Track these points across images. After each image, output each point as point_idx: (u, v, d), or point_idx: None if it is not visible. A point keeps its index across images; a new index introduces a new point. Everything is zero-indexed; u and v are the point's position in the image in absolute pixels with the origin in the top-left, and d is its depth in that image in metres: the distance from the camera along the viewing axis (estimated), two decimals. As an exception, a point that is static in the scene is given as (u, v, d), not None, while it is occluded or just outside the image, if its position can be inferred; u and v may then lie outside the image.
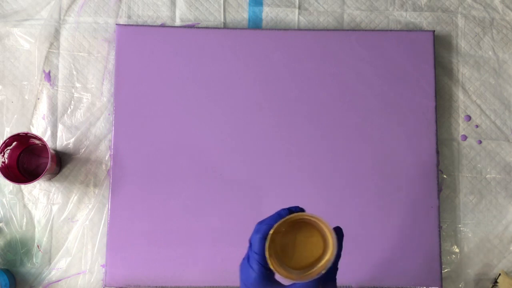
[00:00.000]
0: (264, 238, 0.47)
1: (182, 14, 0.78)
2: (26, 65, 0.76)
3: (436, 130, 0.74)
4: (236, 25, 0.78)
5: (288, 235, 0.51)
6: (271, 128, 0.73)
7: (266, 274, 0.48)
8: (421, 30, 0.78)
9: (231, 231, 0.71)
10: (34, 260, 0.72)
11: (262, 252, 0.47)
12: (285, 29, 0.76)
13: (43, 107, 0.75)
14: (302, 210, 0.50)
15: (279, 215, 0.48)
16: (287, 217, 0.48)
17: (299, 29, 0.77)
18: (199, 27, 0.77)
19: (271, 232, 0.47)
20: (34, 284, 0.72)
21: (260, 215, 0.72)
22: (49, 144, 0.74)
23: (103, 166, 0.74)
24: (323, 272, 0.47)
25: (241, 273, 0.49)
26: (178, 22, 0.78)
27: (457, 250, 0.75)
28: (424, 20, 0.79)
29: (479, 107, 0.78)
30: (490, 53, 0.79)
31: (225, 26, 0.78)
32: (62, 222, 0.73)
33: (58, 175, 0.74)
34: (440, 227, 0.73)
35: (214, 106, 0.74)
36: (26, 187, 0.74)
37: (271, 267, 0.46)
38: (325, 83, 0.74)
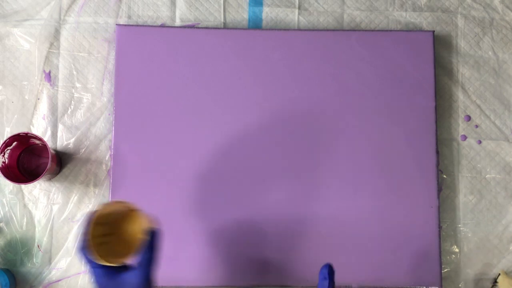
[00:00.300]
0: (84, 248, 0.51)
1: (182, 14, 0.78)
2: (26, 65, 0.76)
3: (436, 130, 0.74)
4: (236, 25, 0.78)
5: (122, 228, 0.58)
6: (271, 128, 0.74)
7: (107, 271, 0.52)
8: (421, 30, 0.78)
9: (231, 231, 0.71)
10: (34, 260, 0.73)
11: (89, 259, 0.51)
12: (285, 29, 0.77)
13: (43, 107, 0.75)
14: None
15: (88, 220, 0.53)
16: (90, 219, 0.52)
17: (299, 29, 0.77)
18: (199, 27, 0.77)
19: (87, 238, 0.52)
20: (34, 284, 0.72)
21: (259, 214, 0.72)
22: (49, 144, 0.74)
23: (103, 166, 0.74)
24: (146, 238, 0.53)
25: (93, 283, 0.53)
26: (178, 22, 0.78)
27: (457, 250, 0.75)
28: (424, 20, 0.79)
29: (479, 107, 0.78)
30: (490, 53, 0.79)
31: (225, 26, 0.78)
32: (62, 222, 0.73)
33: (58, 175, 0.74)
34: (440, 227, 0.73)
35: (214, 106, 0.74)
36: (26, 187, 0.74)
37: (101, 262, 0.51)
38: (325, 83, 0.75)
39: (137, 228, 0.58)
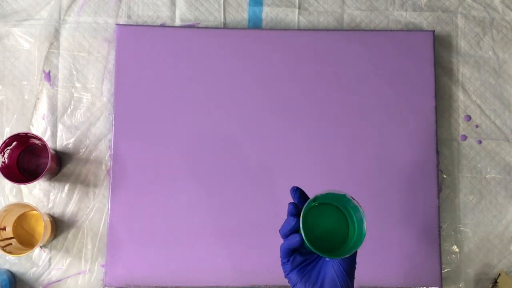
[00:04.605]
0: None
1: (182, 14, 0.78)
2: (26, 65, 0.76)
3: (436, 130, 0.74)
4: (236, 25, 0.78)
5: (23, 227, 0.72)
6: (271, 128, 0.73)
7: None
8: (421, 30, 0.78)
9: (231, 231, 0.71)
10: (34, 260, 0.72)
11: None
12: (285, 29, 0.77)
13: (43, 107, 0.75)
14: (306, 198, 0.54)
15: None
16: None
17: (299, 29, 0.77)
18: (199, 27, 0.77)
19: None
20: (34, 284, 0.72)
21: (259, 214, 0.72)
22: (49, 144, 0.74)
23: (103, 166, 0.74)
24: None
25: None
26: (178, 22, 0.78)
27: (457, 250, 0.75)
28: (424, 20, 0.79)
29: (479, 107, 0.78)
30: (490, 53, 0.79)
31: (225, 26, 0.78)
32: (62, 222, 0.73)
33: (58, 175, 0.74)
34: (440, 227, 0.73)
35: (214, 106, 0.74)
36: (26, 187, 0.74)
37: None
38: (325, 83, 0.75)
39: (34, 223, 0.72)
